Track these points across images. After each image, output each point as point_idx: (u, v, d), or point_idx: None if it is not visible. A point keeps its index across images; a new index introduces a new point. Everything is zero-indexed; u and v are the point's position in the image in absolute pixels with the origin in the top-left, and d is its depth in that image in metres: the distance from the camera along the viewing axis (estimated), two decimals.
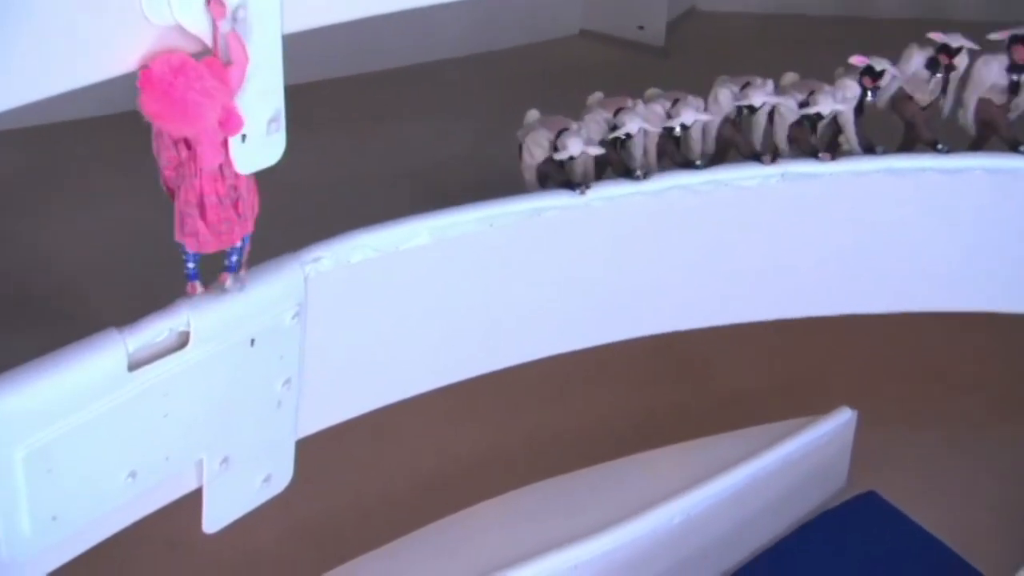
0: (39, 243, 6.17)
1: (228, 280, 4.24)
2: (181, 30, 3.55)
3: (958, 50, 5.75)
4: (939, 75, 5.81)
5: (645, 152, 5.64)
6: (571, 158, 5.36)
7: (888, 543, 6.55)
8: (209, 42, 3.63)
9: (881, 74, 5.71)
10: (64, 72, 3.42)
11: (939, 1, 9.66)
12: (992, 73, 5.86)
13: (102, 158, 7.00)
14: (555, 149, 5.39)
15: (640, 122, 5.43)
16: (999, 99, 5.89)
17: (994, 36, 5.81)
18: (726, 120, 5.74)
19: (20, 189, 6.85)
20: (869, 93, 5.75)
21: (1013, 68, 5.79)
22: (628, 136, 5.45)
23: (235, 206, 4.03)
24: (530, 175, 5.60)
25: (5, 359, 3.85)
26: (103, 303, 5.27)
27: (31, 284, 5.64)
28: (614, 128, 5.46)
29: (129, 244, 6.05)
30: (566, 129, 5.44)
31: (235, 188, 4.00)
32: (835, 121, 5.81)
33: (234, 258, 4.23)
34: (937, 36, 5.77)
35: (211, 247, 4.07)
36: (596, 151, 5.40)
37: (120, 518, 4.40)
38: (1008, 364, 7.76)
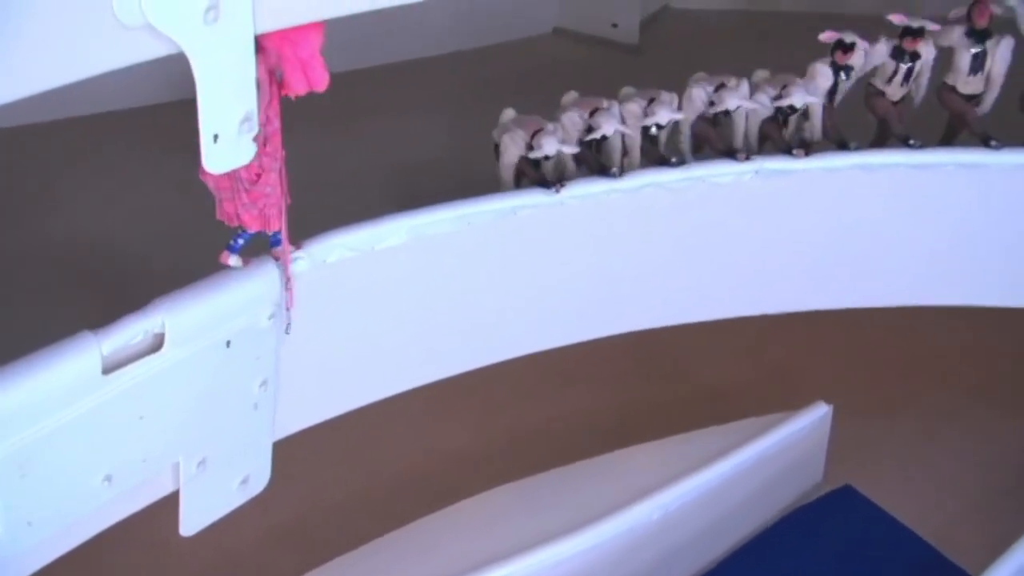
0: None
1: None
2: (153, 31, 3.52)
3: (920, 31, 5.78)
4: (904, 65, 5.86)
5: (626, 152, 5.65)
6: (546, 157, 5.37)
7: (864, 537, 6.57)
8: (181, 45, 3.61)
9: (852, 46, 5.74)
10: (34, 73, 3.39)
11: None
12: (963, 60, 5.94)
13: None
14: (531, 148, 5.39)
15: (616, 123, 5.45)
16: (964, 87, 5.94)
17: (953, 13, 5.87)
18: (700, 117, 5.76)
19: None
20: (842, 73, 5.79)
21: (972, 33, 5.82)
22: (604, 137, 5.47)
23: (250, 194, 4.25)
24: (507, 175, 5.60)
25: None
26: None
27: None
28: (589, 129, 5.47)
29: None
30: (541, 129, 5.45)
31: (258, 176, 4.23)
32: (806, 114, 5.85)
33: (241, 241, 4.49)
34: (897, 18, 5.80)
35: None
36: (571, 150, 5.41)
37: (97, 522, 4.38)
38: (982, 356, 7.81)
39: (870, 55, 5.85)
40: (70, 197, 6.93)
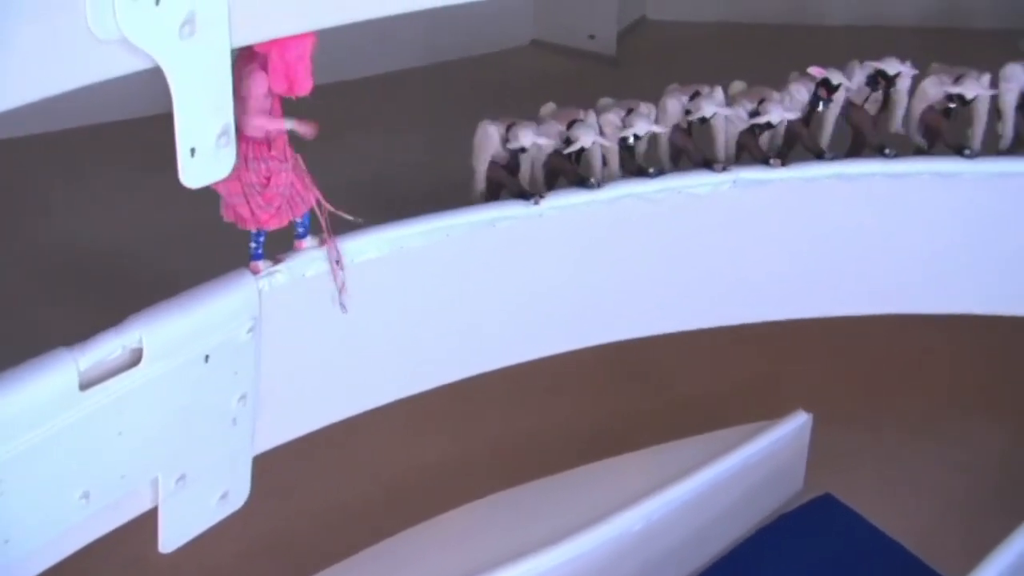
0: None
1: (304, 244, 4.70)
2: (128, 46, 3.51)
3: (896, 75, 5.88)
4: (878, 92, 5.93)
5: (605, 163, 5.66)
6: (523, 149, 5.37)
7: (844, 545, 6.60)
8: (157, 59, 3.60)
9: (837, 87, 5.80)
10: (8, 88, 3.37)
11: (884, 10, 9.82)
12: (934, 92, 5.99)
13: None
14: (507, 142, 5.38)
15: (593, 135, 5.46)
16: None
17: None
18: (677, 128, 5.78)
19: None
20: (821, 104, 5.84)
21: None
22: (583, 149, 5.48)
23: (264, 196, 4.36)
24: (480, 175, 5.61)
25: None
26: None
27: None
28: (567, 141, 5.48)
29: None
30: (515, 123, 5.45)
31: (268, 180, 4.34)
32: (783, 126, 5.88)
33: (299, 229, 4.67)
34: (876, 64, 5.90)
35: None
36: (548, 142, 5.40)
37: (75, 539, 4.34)
38: (960, 363, 7.86)
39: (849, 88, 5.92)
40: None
